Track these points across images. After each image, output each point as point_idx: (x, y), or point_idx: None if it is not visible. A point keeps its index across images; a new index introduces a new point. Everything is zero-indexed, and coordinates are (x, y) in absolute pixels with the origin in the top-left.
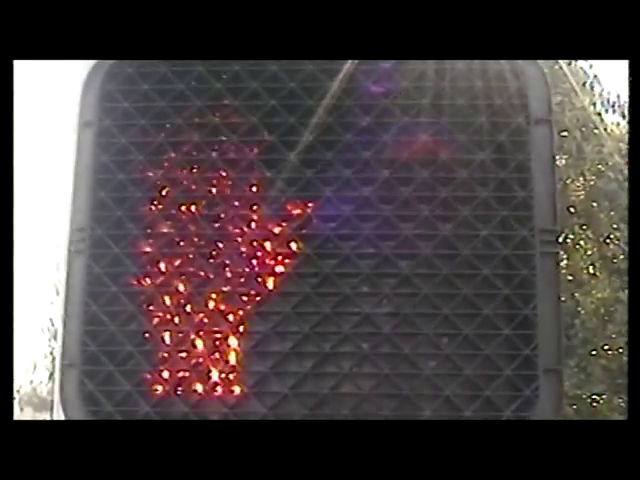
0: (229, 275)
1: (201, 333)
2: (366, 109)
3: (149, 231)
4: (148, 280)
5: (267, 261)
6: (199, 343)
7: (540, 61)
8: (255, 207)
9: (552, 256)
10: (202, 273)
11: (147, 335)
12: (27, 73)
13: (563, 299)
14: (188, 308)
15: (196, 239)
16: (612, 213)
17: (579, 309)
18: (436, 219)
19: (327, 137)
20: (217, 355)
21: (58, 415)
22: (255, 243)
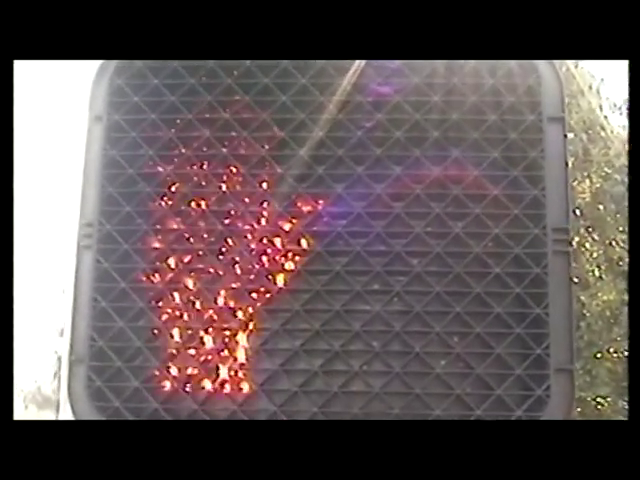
0: (239, 272)
1: (210, 330)
2: (377, 106)
3: (158, 227)
4: (157, 276)
5: (277, 258)
6: (208, 340)
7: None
8: (265, 204)
9: (564, 255)
10: (211, 270)
11: (156, 331)
12: (37, 68)
13: None
14: (197, 305)
15: (206, 235)
16: (618, 216)
17: (584, 312)
18: (448, 217)
19: (338, 133)
20: (226, 352)
21: (65, 411)
22: (265, 240)
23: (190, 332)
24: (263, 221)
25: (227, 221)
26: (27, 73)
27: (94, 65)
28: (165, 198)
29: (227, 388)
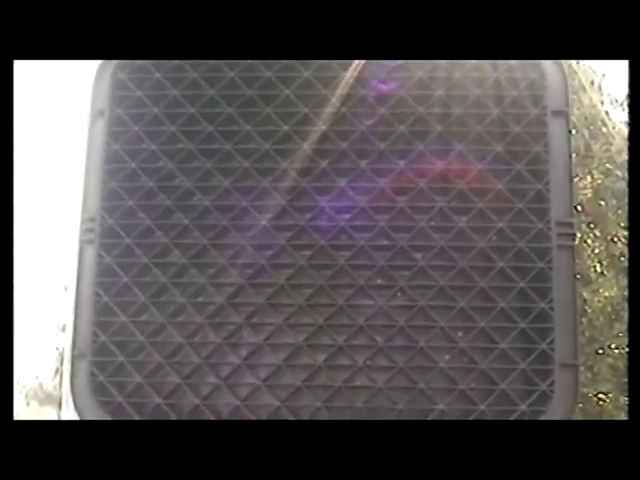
0: (242, 266)
1: (213, 324)
2: (380, 100)
3: (161, 221)
4: (159, 270)
5: (280, 252)
6: (211, 334)
7: None
8: (268, 197)
9: (568, 249)
10: (215, 264)
11: (158, 326)
12: (37, 65)
13: None
14: (200, 299)
15: (209, 230)
16: (619, 212)
17: (586, 307)
18: (451, 211)
19: (341, 127)
20: (229, 347)
21: (67, 408)
22: (268, 234)
23: (193, 327)
24: (267, 215)
25: (230, 215)
26: (28, 70)
27: (96, 60)
28: (167, 192)
29: (230, 383)
